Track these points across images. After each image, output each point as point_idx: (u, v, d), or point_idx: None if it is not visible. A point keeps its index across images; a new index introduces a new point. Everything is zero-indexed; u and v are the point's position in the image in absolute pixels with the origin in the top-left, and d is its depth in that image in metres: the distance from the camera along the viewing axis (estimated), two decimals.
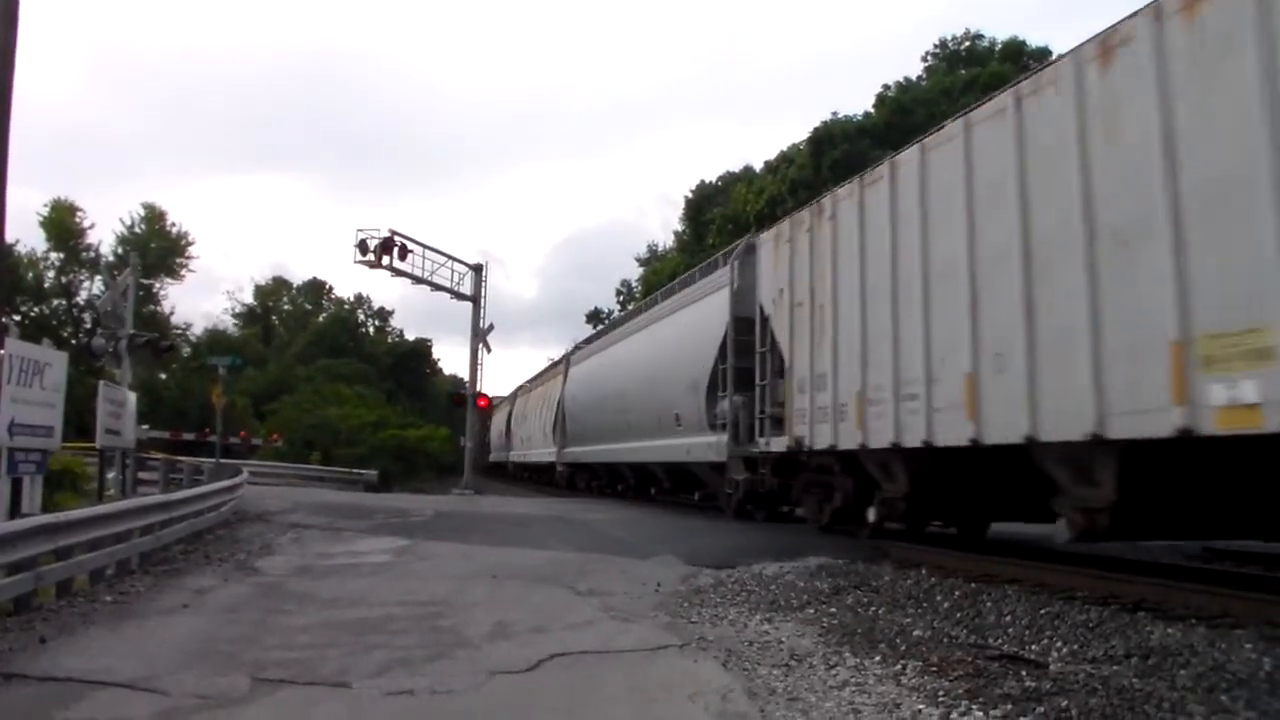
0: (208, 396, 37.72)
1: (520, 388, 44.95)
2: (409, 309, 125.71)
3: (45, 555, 7.79)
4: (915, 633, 7.28)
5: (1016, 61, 36.24)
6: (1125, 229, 7.56)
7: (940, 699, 5.35)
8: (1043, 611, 7.60)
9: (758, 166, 48.11)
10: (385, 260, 29.12)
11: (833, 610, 8.34)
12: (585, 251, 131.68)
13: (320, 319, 74.69)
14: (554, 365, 36.91)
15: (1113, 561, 10.08)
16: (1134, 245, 7.45)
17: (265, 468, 33.61)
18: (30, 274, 48.62)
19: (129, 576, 9.36)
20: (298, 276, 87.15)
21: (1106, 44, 7.92)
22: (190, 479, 20.26)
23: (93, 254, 50.48)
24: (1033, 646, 6.79)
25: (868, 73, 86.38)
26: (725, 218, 43.92)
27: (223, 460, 28.57)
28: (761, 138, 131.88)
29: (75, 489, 16.37)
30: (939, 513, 12.22)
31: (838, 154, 35.71)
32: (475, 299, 30.97)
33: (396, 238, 29.26)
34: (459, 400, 34.67)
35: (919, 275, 10.38)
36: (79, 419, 19.07)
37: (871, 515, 12.08)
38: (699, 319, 18.15)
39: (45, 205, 50.28)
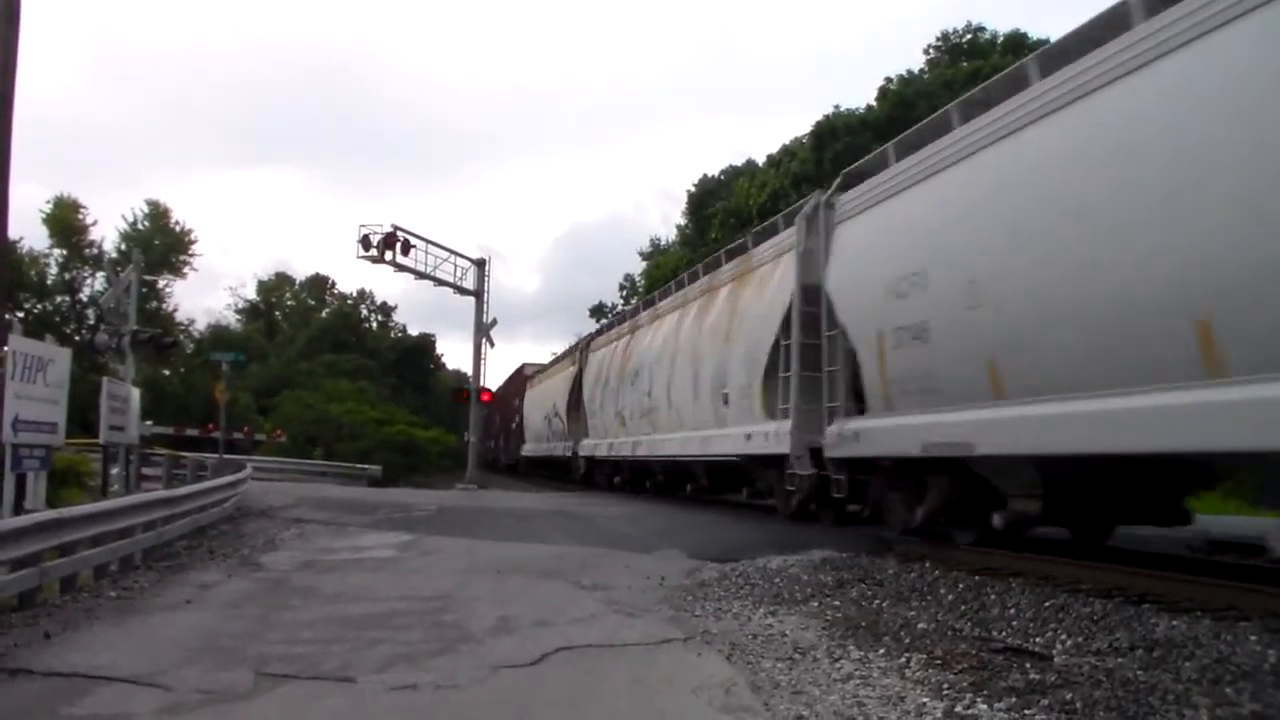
0: (211, 392, 37.75)
1: (598, 335, 28.60)
2: (411, 304, 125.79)
3: (49, 551, 7.81)
4: (919, 626, 7.28)
5: (1019, 54, 36.05)
6: None
7: (945, 692, 5.35)
8: (1047, 604, 7.59)
9: (759, 160, 48.01)
10: (388, 256, 29.13)
11: (837, 603, 8.33)
12: (586, 246, 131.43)
13: (323, 315, 74.68)
14: (726, 262, 18.02)
15: (1117, 554, 10.07)
16: None
17: (268, 463, 33.63)
18: (33, 270, 48.58)
19: (133, 572, 9.37)
20: (298, 272, 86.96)
21: None
22: (193, 475, 20.29)
23: (95, 250, 50.46)
24: (1037, 639, 6.78)
25: (870, 66, 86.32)
26: (728, 212, 43.79)
27: (226, 456, 28.60)
28: (763, 131, 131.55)
29: (80, 485, 16.38)
30: None
31: (840, 147, 35.57)
32: (478, 294, 30.96)
33: (399, 233, 29.25)
34: (463, 396, 34.66)
35: None
36: (82, 415, 19.12)
37: None
38: None
39: (48, 202, 50.30)
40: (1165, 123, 7.40)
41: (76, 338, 43.02)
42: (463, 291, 30.96)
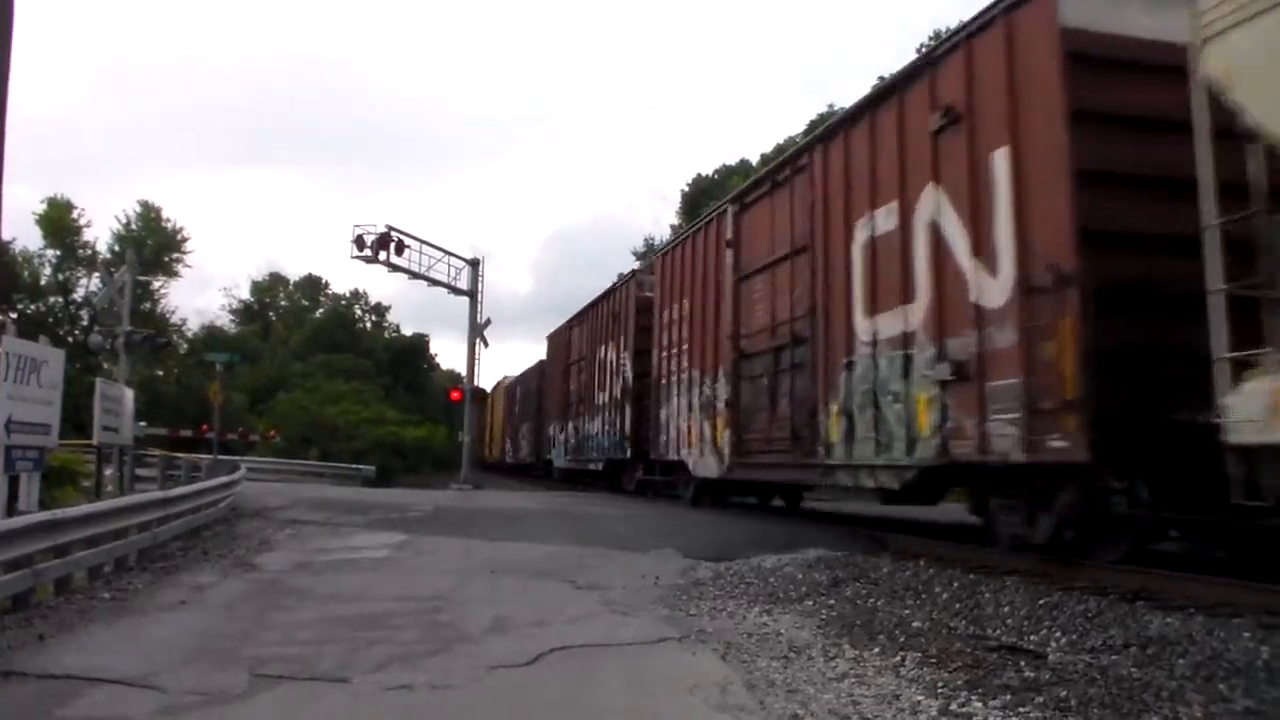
0: (206, 393, 37.68)
1: None
2: (405, 304, 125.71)
3: (43, 552, 7.77)
4: (914, 624, 7.29)
5: None
6: None
7: (939, 690, 5.36)
8: (1041, 602, 7.61)
9: (754, 159, 48.05)
10: (382, 256, 29.15)
11: (831, 602, 8.35)
12: (577, 246, 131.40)
13: (317, 315, 74.55)
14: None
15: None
16: None
17: (264, 464, 33.58)
18: (27, 271, 48.45)
19: (127, 573, 9.34)
20: (288, 272, 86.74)
21: None
22: (188, 475, 20.25)
23: (89, 251, 50.31)
24: (1031, 637, 6.80)
25: (863, 64, 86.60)
26: None
27: (220, 457, 28.54)
28: (757, 130, 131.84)
29: (74, 486, 16.35)
30: None
31: None
32: (472, 294, 30.96)
33: (393, 233, 29.28)
34: (459, 396, 34.63)
35: None
36: (76, 416, 19.06)
37: None
38: None
39: (41, 202, 50.13)
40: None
41: (70, 339, 42.97)
42: (457, 292, 30.96)
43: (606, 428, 23.69)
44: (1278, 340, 6.38)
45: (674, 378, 18.45)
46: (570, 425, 28.36)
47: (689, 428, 17.45)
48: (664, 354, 19.22)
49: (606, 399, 23.84)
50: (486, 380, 45.54)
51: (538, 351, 41.31)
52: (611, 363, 23.67)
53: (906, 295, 10.59)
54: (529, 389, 37.83)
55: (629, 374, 21.99)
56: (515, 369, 44.28)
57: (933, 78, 10.58)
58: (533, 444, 36.43)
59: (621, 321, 22.95)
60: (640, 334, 21.30)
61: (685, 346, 17.85)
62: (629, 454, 21.76)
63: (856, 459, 11.64)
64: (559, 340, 30.92)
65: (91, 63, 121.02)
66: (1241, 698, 5.09)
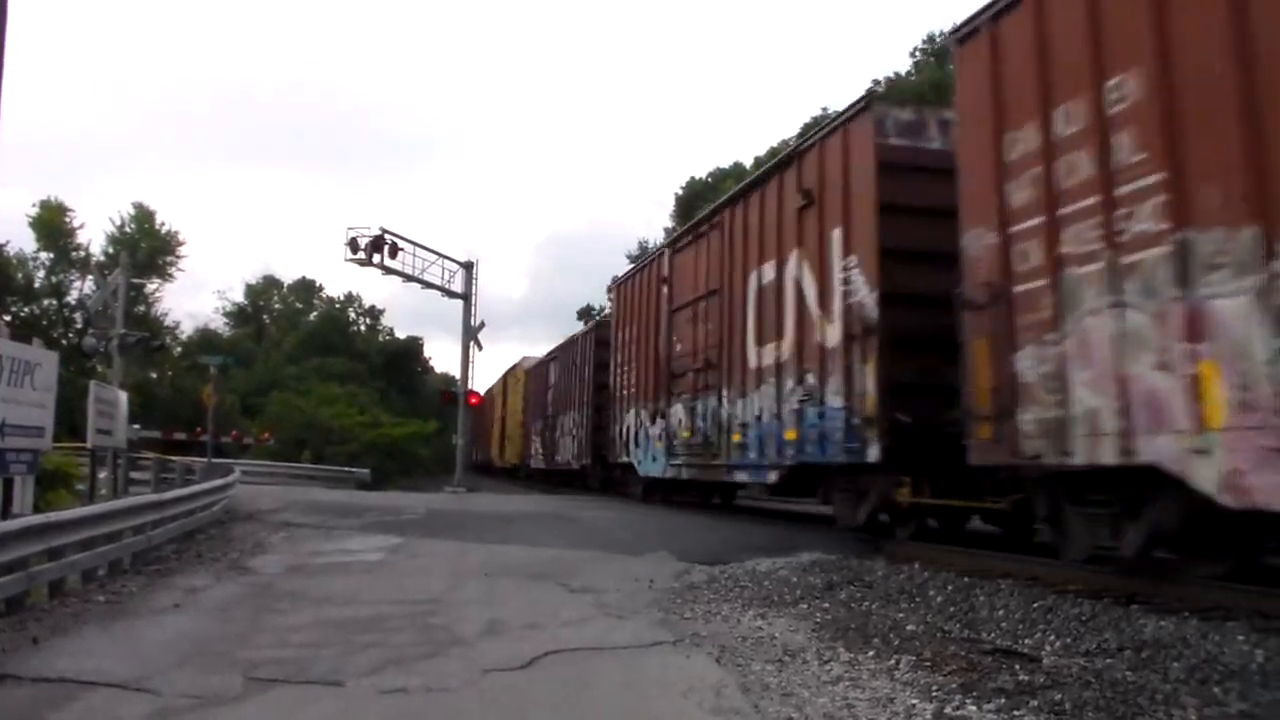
0: (200, 396, 37.61)
1: None
2: (400, 307, 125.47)
3: (37, 555, 7.76)
4: (909, 627, 7.30)
5: None
6: None
7: (934, 693, 5.36)
8: (1036, 605, 7.63)
9: (747, 163, 48.14)
10: (376, 258, 29.18)
11: (826, 605, 8.35)
12: (571, 250, 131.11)
13: (311, 318, 74.38)
14: None
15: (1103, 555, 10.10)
16: None
17: (257, 467, 33.51)
18: (20, 274, 48.28)
19: (121, 576, 9.32)
20: (282, 275, 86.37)
21: None
22: (182, 478, 20.20)
23: (83, 254, 50.17)
24: (1026, 640, 6.81)
25: (857, 68, 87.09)
26: None
27: (214, 460, 28.47)
28: (750, 134, 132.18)
29: (68, 488, 16.29)
30: None
31: None
32: (466, 297, 30.97)
33: (387, 236, 29.32)
34: (448, 398, 34.60)
35: None
36: (70, 419, 19.02)
37: None
38: None
39: (34, 205, 49.96)
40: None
41: (64, 341, 42.82)
42: (451, 295, 30.97)
43: (798, 405, 13.41)
44: None
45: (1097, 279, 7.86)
46: (675, 409, 18.65)
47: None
48: (1024, 241, 8.74)
49: (787, 356, 13.86)
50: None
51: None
52: (796, 287, 13.59)
53: None
54: (574, 365, 28.52)
55: (862, 298, 11.83)
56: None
57: None
58: (583, 442, 26.80)
59: (828, 206, 12.85)
60: (891, 218, 11.51)
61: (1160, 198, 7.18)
62: (879, 454, 11.39)
63: None
64: (643, 282, 21.54)
65: (86, 66, 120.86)
66: (1236, 701, 5.11)
